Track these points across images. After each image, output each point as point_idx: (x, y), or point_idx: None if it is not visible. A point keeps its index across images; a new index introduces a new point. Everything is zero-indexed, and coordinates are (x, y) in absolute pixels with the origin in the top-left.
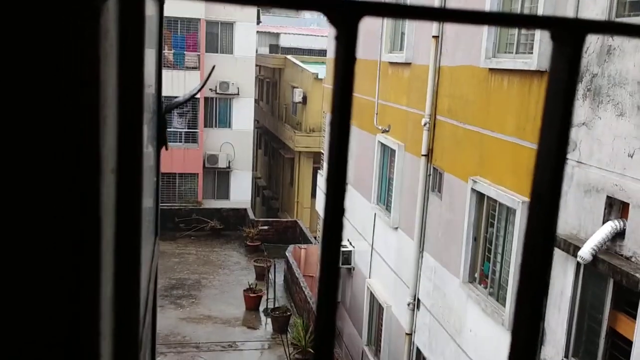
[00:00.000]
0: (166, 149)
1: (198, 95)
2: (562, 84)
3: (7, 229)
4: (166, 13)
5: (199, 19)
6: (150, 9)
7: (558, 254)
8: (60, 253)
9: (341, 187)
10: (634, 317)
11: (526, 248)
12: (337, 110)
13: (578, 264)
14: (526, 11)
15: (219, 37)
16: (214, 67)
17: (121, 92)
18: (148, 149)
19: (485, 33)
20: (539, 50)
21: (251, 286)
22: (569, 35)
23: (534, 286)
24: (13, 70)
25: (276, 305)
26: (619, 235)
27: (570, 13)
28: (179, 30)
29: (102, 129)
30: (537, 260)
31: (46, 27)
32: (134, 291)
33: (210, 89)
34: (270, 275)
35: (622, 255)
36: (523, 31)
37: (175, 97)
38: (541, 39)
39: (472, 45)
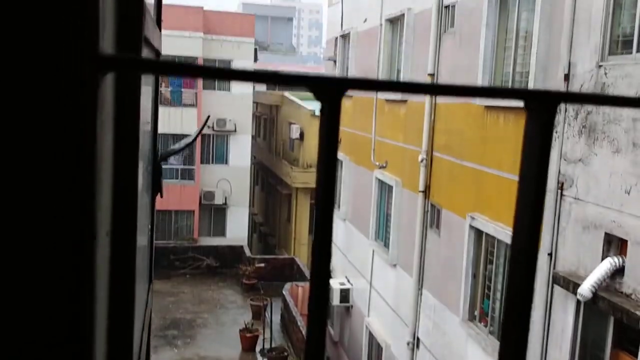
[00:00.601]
0: (161, 196)
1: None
2: (536, 153)
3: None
4: (164, 51)
5: (197, 57)
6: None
7: (558, 291)
8: (51, 314)
9: (326, 270)
10: (636, 355)
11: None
12: (322, 176)
13: (578, 302)
14: (520, 51)
15: None
16: (208, 117)
17: (116, 156)
18: (143, 198)
19: (480, 71)
20: (534, 87)
21: (247, 326)
22: (541, 106)
23: (519, 322)
24: (15, 132)
25: (273, 346)
26: (619, 272)
27: (564, 53)
28: None
29: (97, 194)
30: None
31: (45, 98)
32: (126, 351)
33: (207, 126)
34: (266, 315)
35: (622, 292)
36: (518, 68)
37: (173, 134)
38: (536, 77)
39: (468, 82)
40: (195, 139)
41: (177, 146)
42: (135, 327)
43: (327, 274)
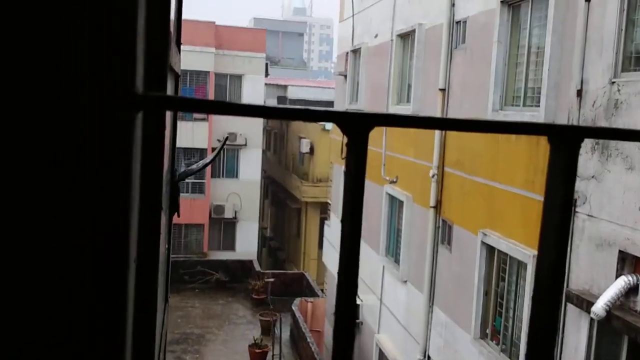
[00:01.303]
0: (178, 215)
1: (206, 146)
2: (559, 188)
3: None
4: None
5: (208, 72)
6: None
7: (571, 309)
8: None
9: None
10: None
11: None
12: (348, 212)
13: (592, 320)
14: (532, 67)
15: (227, 89)
16: (227, 137)
17: (143, 188)
18: (162, 218)
19: (492, 85)
20: (546, 103)
21: (256, 341)
22: (564, 141)
23: (544, 339)
24: (58, 169)
25: None
26: (633, 290)
27: (576, 69)
28: (188, 83)
29: (131, 230)
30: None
31: (84, 137)
32: None
33: (218, 140)
34: (276, 330)
35: (636, 311)
36: (530, 84)
37: (184, 148)
38: (548, 94)
39: (479, 98)
40: (213, 160)
41: (194, 167)
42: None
43: (353, 315)
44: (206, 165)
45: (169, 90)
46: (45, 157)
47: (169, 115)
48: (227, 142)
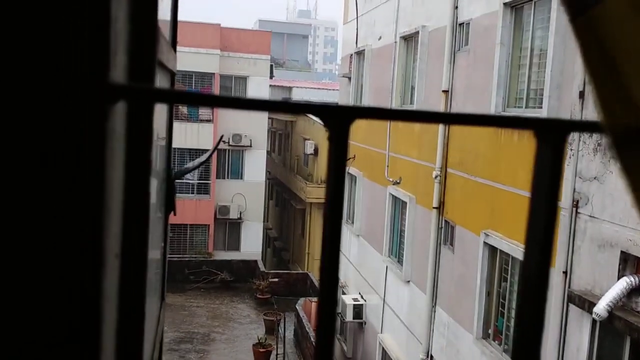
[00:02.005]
0: (174, 214)
1: (211, 147)
2: (546, 183)
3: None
4: (181, 67)
5: (213, 73)
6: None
7: (573, 310)
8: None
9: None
10: None
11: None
12: (329, 203)
13: (594, 321)
14: (534, 68)
15: (232, 91)
16: (222, 137)
17: (128, 181)
18: (156, 217)
19: (494, 87)
20: (549, 104)
21: (261, 340)
22: (550, 135)
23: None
24: (21, 160)
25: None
26: (635, 291)
27: (578, 71)
28: (193, 84)
29: (105, 219)
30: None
31: (53, 128)
32: None
33: (223, 141)
34: (280, 330)
35: (638, 312)
36: (532, 86)
37: (189, 149)
38: (550, 95)
39: (482, 100)
40: (209, 158)
41: (191, 165)
42: (146, 345)
43: (334, 303)
44: (202, 163)
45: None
46: (11, 149)
47: (163, 111)
48: (233, 143)
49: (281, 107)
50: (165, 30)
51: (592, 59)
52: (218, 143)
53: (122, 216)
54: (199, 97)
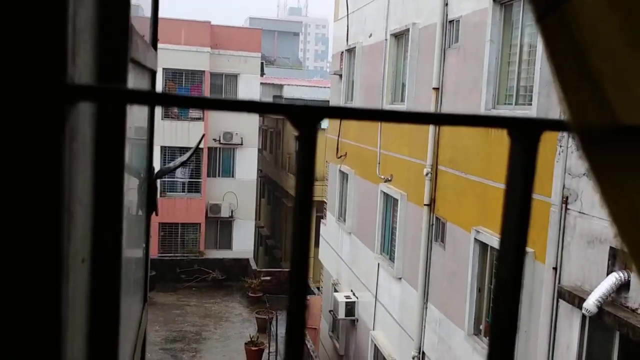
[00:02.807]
0: (156, 214)
1: (202, 146)
2: (519, 181)
3: None
4: (171, 65)
5: (204, 71)
6: (141, 83)
7: (563, 305)
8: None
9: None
10: None
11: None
12: (298, 201)
13: (583, 317)
14: (524, 65)
15: (223, 89)
16: (203, 136)
17: (98, 183)
18: (136, 217)
19: (484, 84)
20: (538, 101)
21: (253, 339)
22: (524, 134)
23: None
24: None
25: (278, 359)
26: (624, 286)
27: None
28: (183, 82)
29: (66, 224)
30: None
31: (8, 129)
32: None
33: (214, 139)
34: (272, 328)
35: (627, 307)
36: (522, 83)
37: (180, 147)
38: (540, 92)
39: (472, 97)
40: (190, 157)
41: (172, 164)
42: (125, 348)
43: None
44: (183, 163)
45: (138, 86)
46: None
47: (143, 111)
48: (224, 142)
49: (247, 107)
50: (144, 28)
51: (561, 57)
52: (199, 142)
53: (93, 219)
54: (158, 96)
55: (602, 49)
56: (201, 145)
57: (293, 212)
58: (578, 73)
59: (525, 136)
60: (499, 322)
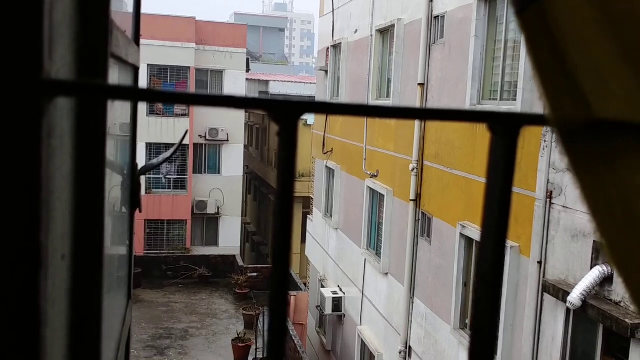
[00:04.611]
0: (140, 211)
1: (187, 142)
2: (500, 174)
3: None
4: (156, 61)
5: (189, 67)
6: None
7: (548, 299)
8: None
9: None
10: None
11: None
12: (280, 196)
13: (568, 310)
14: (509, 61)
15: (208, 85)
16: (187, 132)
17: (78, 180)
18: (121, 213)
19: (470, 80)
20: (523, 96)
21: (240, 335)
22: (504, 128)
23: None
24: None
25: (265, 355)
26: (608, 280)
27: None
28: (169, 78)
29: (44, 221)
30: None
31: None
32: None
33: (199, 136)
34: (259, 324)
35: (611, 300)
36: (507, 78)
37: (165, 144)
38: (524, 87)
39: (457, 92)
40: (173, 154)
41: (155, 161)
42: (109, 346)
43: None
44: (166, 159)
45: (119, 82)
46: None
47: (126, 107)
48: (209, 138)
49: (228, 103)
50: (126, 23)
51: (540, 51)
52: (182, 139)
53: (73, 216)
54: (135, 91)
55: (577, 42)
56: (186, 142)
57: (274, 207)
58: (555, 67)
59: (506, 130)
60: (480, 315)
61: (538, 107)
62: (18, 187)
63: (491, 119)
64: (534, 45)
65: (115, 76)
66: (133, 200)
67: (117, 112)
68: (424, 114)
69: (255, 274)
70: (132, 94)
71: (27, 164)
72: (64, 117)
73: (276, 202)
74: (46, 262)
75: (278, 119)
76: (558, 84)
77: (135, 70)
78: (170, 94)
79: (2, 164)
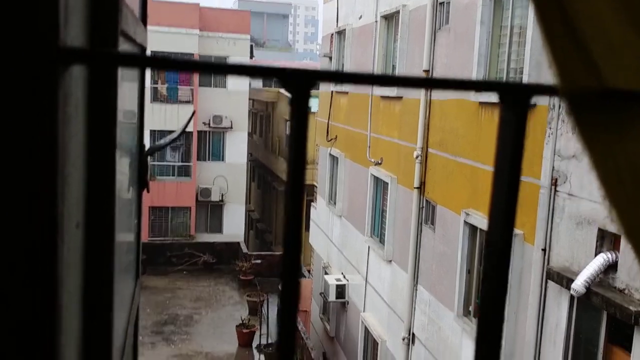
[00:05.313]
0: (147, 191)
1: (191, 129)
2: (510, 145)
3: None
4: (160, 48)
5: (193, 54)
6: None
7: (552, 286)
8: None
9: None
10: (629, 350)
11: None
12: (292, 163)
13: (572, 297)
14: (514, 47)
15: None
16: (194, 112)
17: (91, 146)
18: (127, 192)
19: (475, 66)
20: (528, 82)
21: (244, 321)
22: (515, 99)
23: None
24: None
25: (270, 341)
26: (612, 267)
27: None
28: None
29: (60, 187)
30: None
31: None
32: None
33: (203, 123)
34: (263, 310)
35: (615, 287)
36: (512, 65)
37: (169, 131)
38: (529, 73)
39: (462, 78)
40: (181, 134)
41: (162, 141)
42: (119, 323)
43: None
44: (174, 140)
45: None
46: None
47: (133, 87)
48: (213, 125)
49: (239, 71)
50: (134, 3)
51: (550, 20)
52: (190, 118)
53: (86, 185)
54: (154, 60)
55: (589, 13)
56: (190, 129)
57: (286, 176)
58: (566, 36)
59: (516, 101)
60: (489, 287)
61: (543, 97)
62: (37, 152)
63: (501, 89)
64: (544, 15)
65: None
66: (141, 181)
67: (125, 96)
68: (435, 84)
69: (259, 261)
70: (142, 61)
71: (45, 129)
72: (78, 86)
73: (288, 171)
74: (62, 227)
75: (291, 87)
76: (568, 54)
77: (143, 50)
78: (182, 62)
79: (21, 130)
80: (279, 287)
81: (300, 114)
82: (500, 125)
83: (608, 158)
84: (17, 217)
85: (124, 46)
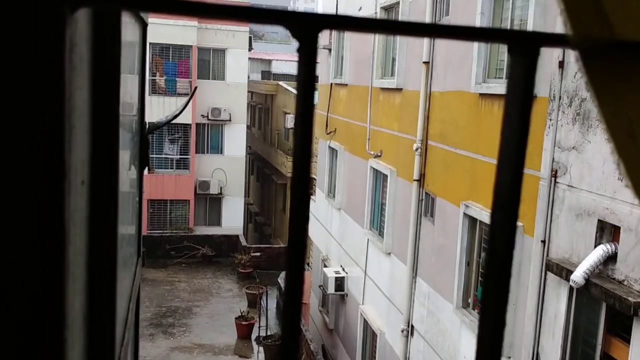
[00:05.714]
0: (149, 170)
1: (190, 122)
2: (519, 95)
3: None
4: (158, 40)
5: (191, 46)
6: (132, 34)
7: (551, 278)
8: (21, 262)
9: (306, 191)
10: (628, 341)
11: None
12: (299, 116)
13: (571, 288)
14: (517, 18)
15: (210, 64)
16: (195, 88)
17: (95, 103)
18: (131, 170)
19: (475, 58)
20: None
21: (243, 314)
22: (524, 48)
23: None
24: None
25: (269, 334)
26: (611, 258)
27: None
28: (170, 57)
29: (67, 139)
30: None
31: (6, 36)
32: (109, 304)
33: (202, 115)
34: (262, 303)
35: (614, 279)
36: None
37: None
38: None
39: (462, 71)
40: (182, 111)
41: (163, 119)
42: (123, 292)
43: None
44: (175, 116)
45: (133, 36)
46: None
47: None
48: (212, 118)
49: (243, 15)
50: None
51: None
52: (191, 96)
53: (90, 138)
54: (159, 2)
55: None
56: (189, 121)
57: (294, 131)
58: None
59: (525, 49)
60: (492, 270)
61: (543, 84)
62: (44, 98)
63: (511, 38)
64: None
65: (126, 28)
66: (142, 158)
67: (127, 84)
68: (442, 31)
69: (258, 254)
70: (148, 3)
71: (53, 73)
72: (82, 38)
73: (295, 122)
74: (69, 177)
75: (298, 33)
76: (581, 3)
77: (144, 27)
78: (187, 3)
79: (29, 73)
80: (279, 279)
81: (307, 62)
82: (509, 76)
83: (618, 109)
84: (26, 166)
85: (126, 19)
